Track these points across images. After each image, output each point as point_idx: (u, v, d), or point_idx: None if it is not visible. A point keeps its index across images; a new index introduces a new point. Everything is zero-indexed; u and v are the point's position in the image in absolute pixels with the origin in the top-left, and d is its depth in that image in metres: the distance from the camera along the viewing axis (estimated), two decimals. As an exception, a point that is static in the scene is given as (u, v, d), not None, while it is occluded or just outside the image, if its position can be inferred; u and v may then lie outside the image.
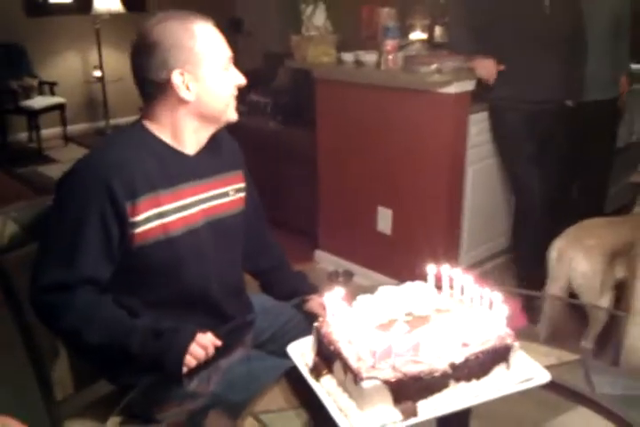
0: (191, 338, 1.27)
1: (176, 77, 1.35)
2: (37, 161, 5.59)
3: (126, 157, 1.35)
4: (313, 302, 1.60)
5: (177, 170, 1.41)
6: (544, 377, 1.09)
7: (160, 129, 1.41)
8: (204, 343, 1.27)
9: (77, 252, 1.29)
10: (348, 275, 3.22)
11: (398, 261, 3.02)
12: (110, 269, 1.34)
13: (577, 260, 2.37)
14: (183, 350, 1.25)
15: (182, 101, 1.38)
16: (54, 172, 5.29)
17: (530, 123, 2.81)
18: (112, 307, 1.33)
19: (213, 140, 1.49)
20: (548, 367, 1.12)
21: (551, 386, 1.13)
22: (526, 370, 1.10)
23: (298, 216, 3.65)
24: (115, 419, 1.15)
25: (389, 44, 2.71)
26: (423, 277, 1.26)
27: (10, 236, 1.45)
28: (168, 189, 1.38)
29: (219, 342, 1.30)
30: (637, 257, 1.59)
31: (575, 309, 2.50)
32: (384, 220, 3.04)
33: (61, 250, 1.30)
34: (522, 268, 3.06)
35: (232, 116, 1.45)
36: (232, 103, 1.43)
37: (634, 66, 3.39)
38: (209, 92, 1.38)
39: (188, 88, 1.36)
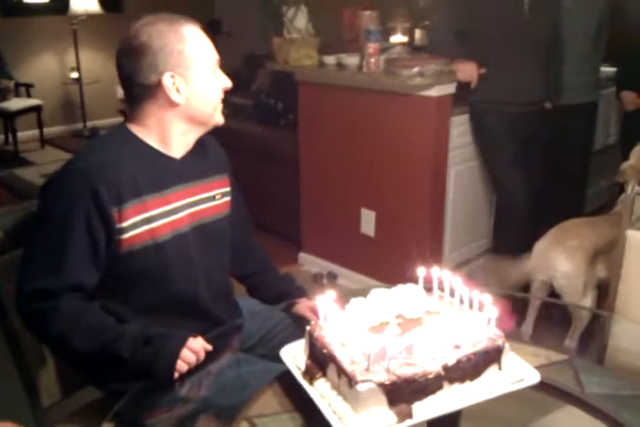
0: (182, 343, 1.26)
1: (167, 80, 1.34)
2: (14, 164, 5.51)
3: (112, 162, 1.34)
4: (301, 306, 1.60)
5: (163, 174, 1.40)
6: (535, 378, 1.10)
7: (146, 132, 1.40)
8: (195, 348, 1.27)
9: (63, 258, 1.28)
10: (333, 277, 3.23)
11: (382, 263, 3.03)
12: (97, 275, 1.33)
13: (560, 261, 2.40)
14: (174, 355, 1.24)
15: (172, 104, 1.37)
16: (31, 175, 5.22)
17: (510, 125, 2.85)
18: (99, 313, 1.32)
19: (199, 144, 1.48)
20: (538, 368, 1.14)
21: (541, 386, 1.14)
22: (517, 371, 1.11)
23: (280, 219, 3.65)
24: (107, 425, 1.14)
25: (371, 46, 2.73)
26: (413, 280, 1.27)
27: (-6, 242, 1.43)
28: (155, 193, 1.37)
29: (209, 347, 1.29)
30: (618, 256, 1.62)
31: (558, 309, 2.53)
32: (367, 222, 3.05)
33: (47, 256, 1.29)
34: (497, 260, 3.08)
35: (219, 119, 1.45)
36: (219, 107, 1.43)
37: (608, 69, 3.46)
38: (198, 96, 1.38)
39: (178, 91, 1.36)
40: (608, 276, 2.46)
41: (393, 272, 2.97)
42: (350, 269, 3.21)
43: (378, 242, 3.04)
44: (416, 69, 2.60)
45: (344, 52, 3.25)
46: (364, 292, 1.20)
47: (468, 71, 2.71)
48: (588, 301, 2.40)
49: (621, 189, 3.59)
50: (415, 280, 1.26)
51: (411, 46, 3.42)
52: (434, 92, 2.66)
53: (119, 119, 5.87)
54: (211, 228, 1.48)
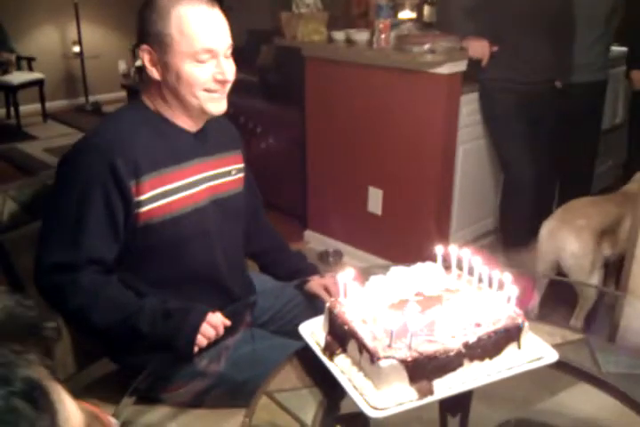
0: (202, 318, 1.26)
1: (143, 52, 1.33)
2: (16, 138, 5.48)
3: (128, 136, 1.33)
4: (313, 284, 1.61)
5: (181, 147, 1.40)
6: (553, 356, 1.11)
7: (157, 104, 1.39)
8: (214, 323, 1.27)
9: (82, 232, 1.28)
10: (338, 255, 3.23)
11: (389, 242, 3.03)
12: (115, 249, 1.33)
13: (568, 240, 2.41)
14: (195, 329, 1.25)
15: (156, 79, 1.35)
16: (34, 149, 5.21)
17: (520, 104, 2.83)
18: (118, 287, 1.32)
19: (213, 120, 1.47)
20: (553, 346, 1.14)
21: (557, 365, 1.15)
22: (536, 349, 1.12)
23: (286, 196, 3.64)
24: (127, 400, 1.14)
25: (382, 22, 2.69)
26: (432, 258, 1.27)
27: (9, 214, 1.43)
28: (173, 167, 1.37)
29: (228, 322, 1.30)
30: (632, 236, 1.62)
31: (563, 288, 2.55)
32: (374, 200, 3.04)
33: (65, 231, 1.29)
34: (507, 249, 3.09)
35: (211, 108, 1.37)
36: (206, 96, 1.35)
37: (617, 48, 3.43)
38: (175, 78, 1.32)
39: (154, 66, 1.33)
40: (613, 254, 2.47)
41: (399, 251, 2.98)
42: (356, 248, 3.21)
43: (385, 220, 3.04)
44: (427, 46, 2.57)
45: (352, 27, 3.21)
46: (367, 271, 1.20)
47: (479, 48, 2.68)
48: (595, 280, 2.42)
49: (627, 169, 3.59)
50: (433, 258, 1.26)
51: (420, 22, 3.38)
52: (445, 69, 2.64)
53: (122, 94, 5.84)
54: (228, 202, 1.48)
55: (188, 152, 1.40)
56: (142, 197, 1.31)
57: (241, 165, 1.56)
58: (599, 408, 1.40)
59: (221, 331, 1.29)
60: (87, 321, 1.28)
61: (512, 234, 3.08)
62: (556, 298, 2.58)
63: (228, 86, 1.38)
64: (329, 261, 3.20)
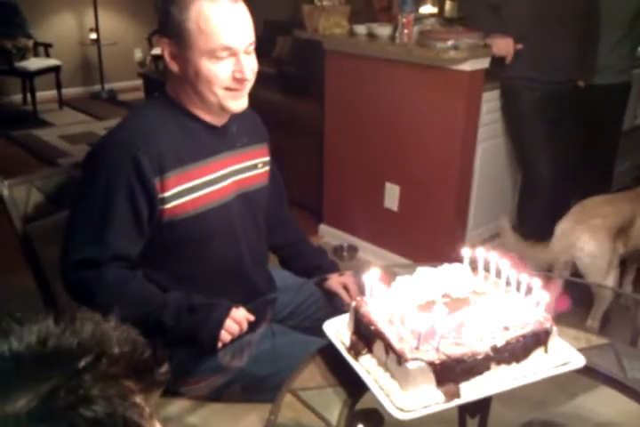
0: (226, 313, 1.26)
1: (163, 45, 1.32)
2: (32, 124, 5.49)
3: (154, 132, 1.32)
4: (333, 281, 1.60)
5: (205, 143, 1.39)
6: (580, 361, 1.10)
7: (182, 98, 1.38)
8: (238, 318, 1.27)
9: (107, 228, 1.27)
10: (353, 250, 3.22)
11: (405, 238, 3.02)
12: (140, 244, 1.32)
13: (584, 240, 2.40)
14: (219, 325, 1.25)
15: (176, 73, 1.33)
16: (50, 136, 5.22)
17: (542, 103, 2.80)
18: (143, 282, 1.32)
19: (240, 113, 1.45)
20: (579, 351, 1.13)
21: (584, 370, 1.14)
22: (563, 354, 1.11)
23: (302, 190, 3.62)
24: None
25: (406, 17, 2.67)
26: (457, 259, 1.26)
27: (34, 205, 1.44)
28: (197, 163, 1.36)
29: (252, 317, 1.30)
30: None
31: (579, 288, 2.53)
32: (391, 196, 3.03)
33: (91, 227, 1.28)
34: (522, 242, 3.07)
35: (231, 106, 1.34)
36: (226, 94, 1.32)
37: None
38: (192, 74, 1.30)
39: (174, 60, 1.32)
40: (626, 252, 2.46)
41: (414, 247, 2.97)
42: (371, 243, 3.20)
43: (401, 217, 3.03)
44: (450, 42, 2.55)
45: (374, 21, 3.19)
46: (389, 269, 1.19)
47: (504, 46, 2.65)
48: (611, 280, 2.40)
49: (643, 170, 3.56)
50: (459, 259, 1.26)
51: (441, 18, 3.36)
52: (467, 66, 2.61)
53: (137, 82, 5.84)
54: (253, 196, 1.47)
55: (214, 147, 1.39)
56: (167, 194, 1.31)
57: (267, 158, 1.56)
58: (619, 413, 1.39)
59: (245, 327, 1.29)
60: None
61: (530, 233, 3.06)
62: (571, 298, 2.57)
63: (249, 84, 1.35)
64: (343, 255, 3.20)
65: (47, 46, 5.86)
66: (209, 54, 1.28)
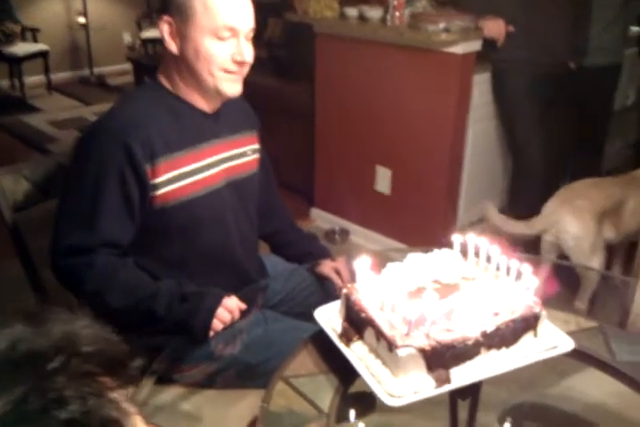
0: (218, 302, 1.27)
1: (163, 24, 1.31)
2: (21, 110, 5.44)
3: (144, 118, 1.31)
4: (325, 266, 1.61)
5: (196, 129, 1.38)
6: (568, 345, 1.11)
7: (174, 84, 1.37)
8: (230, 307, 1.27)
9: (97, 215, 1.27)
10: (345, 233, 3.23)
11: (396, 221, 3.03)
12: (131, 231, 1.32)
13: (567, 221, 2.40)
14: (211, 313, 1.25)
15: (172, 52, 1.32)
16: (38, 121, 5.17)
17: (533, 85, 2.79)
18: (134, 269, 1.32)
19: (230, 100, 1.45)
20: (568, 334, 1.14)
21: (572, 352, 1.15)
22: (552, 338, 1.12)
23: (293, 173, 3.62)
24: (146, 381, 1.15)
25: (398, 0, 2.64)
26: (448, 244, 1.26)
27: (23, 194, 1.43)
28: (187, 149, 1.36)
29: (243, 306, 1.30)
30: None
31: (565, 270, 2.55)
32: (383, 179, 3.03)
33: (81, 213, 1.28)
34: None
35: (226, 89, 1.34)
36: (223, 76, 1.33)
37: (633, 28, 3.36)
38: (192, 53, 1.30)
39: (173, 39, 1.31)
40: (617, 236, 2.47)
41: (407, 230, 2.98)
42: (363, 227, 3.20)
43: (393, 200, 3.03)
44: (442, 25, 2.53)
45: (365, 2, 3.16)
46: (384, 255, 1.19)
47: (495, 28, 2.64)
48: (597, 261, 2.41)
49: (637, 151, 3.57)
50: (449, 244, 1.26)
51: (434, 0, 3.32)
52: (459, 49, 2.60)
53: (126, 66, 5.78)
54: (243, 184, 1.47)
55: (204, 134, 1.39)
56: (157, 180, 1.30)
57: (256, 146, 1.55)
58: (609, 394, 1.40)
59: (237, 315, 1.29)
60: (103, 303, 1.28)
61: (521, 214, 3.07)
62: (558, 280, 2.58)
63: (246, 69, 1.35)
64: (335, 239, 3.20)
65: (35, 31, 5.79)
66: (211, 33, 1.28)
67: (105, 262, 1.28)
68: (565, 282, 2.55)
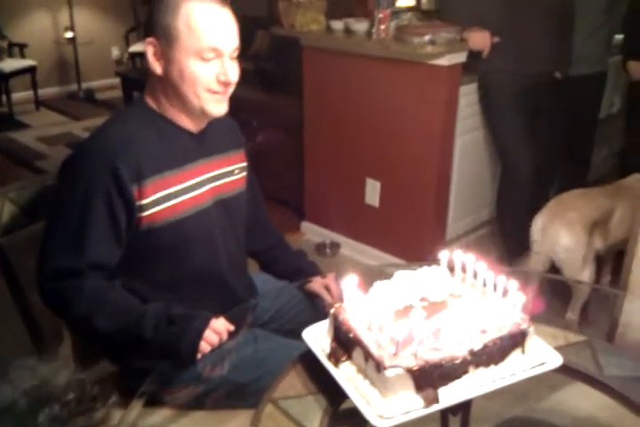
0: (206, 324, 1.26)
1: (148, 45, 1.31)
2: (9, 126, 5.42)
3: (131, 139, 1.31)
4: (315, 284, 1.61)
5: (183, 149, 1.38)
6: (557, 361, 1.11)
7: (161, 105, 1.37)
8: (218, 329, 1.27)
9: (84, 237, 1.26)
10: (335, 246, 3.23)
11: (386, 234, 3.03)
12: (118, 253, 1.32)
13: (560, 234, 2.41)
14: (198, 336, 1.24)
15: (157, 73, 1.33)
16: (27, 138, 5.16)
17: (519, 95, 2.81)
18: (122, 293, 1.31)
19: (216, 119, 1.45)
20: (556, 349, 1.14)
21: (561, 368, 1.15)
22: (540, 354, 1.12)
23: (283, 187, 3.63)
24: (135, 403, 1.14)
25: (382, 12, 2.66)
26: (436, 261, 1.26)
27: (9, 217, 1.42)
28: (175, 169, 1.35)
29: (232, 327, 1.30)
30: (634, 235, 1.62)
31: (556, 281, 2.55)
32: (372, 192, 3.03)
33: (68, 236, 1.27)
34: (505, 239, 3.10)
35: (212, 109, 1.34)
36: (208, 97, 1.33)
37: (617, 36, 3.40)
38: (177, 75, 1.30)
39: (158, 60, 1.32)
40: (605, 246, 2.48)
41: (397, 243, 2.98)
42: (354, 240, 3.21)
43: (382, 212, 3.04)
44: (427, 37, 2.55)
45: (351, 14, 3.18)
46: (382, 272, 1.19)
47: (480, 40, 2.66)
48: (587, 273, 2.42)
49: (622, 159, 3.60)
50: (437, 261, 1.26)
51: (419, 10, 3.35)
52: (445, 61, 2.62)
53: (115, 80, 5.78)
54: (231, 203, 1.47)
55: (191, 154, 1.39)
56: (144, 201, 1.30)
57: (243, 164, 1.55)
58: (599, 408, 1.40)
59: (225, 337, 1.28)
60: (91, 327, 1.27)
61: (509, 224, 3.08)
62: (549, 292, 2.58)
63: (231, 88, 1.36)
64: (326, 252, 3.20)
65: (22, 46, 5.79)
66: (196, 54, 1.28)
67: (93, 286, 1.27)
68: (555, 293, 2.56)
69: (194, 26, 1.27)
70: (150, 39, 1.31)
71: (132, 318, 1.27)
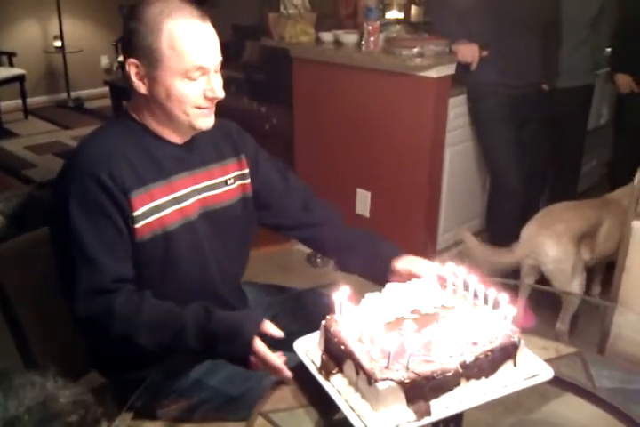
0: (250, 347, 1.19)
1: (130, 66, 1.29)
2: (-3, 135, 5.40)
3: (113, 153, 1.30)
4: (413, 264, 1.43)
5: (167, 161, 1.36)
6: (548, 373, 1.11)
7: (144, 118, 1.36)
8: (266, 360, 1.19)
9: (95, 253, 1.25)
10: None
11: (376, 244, 3.02)
12: (131, 263, 1.31)
13: (547, 245, 2.42)
14: (247, 349, 1.19)
15: (143, 93, 1.31)
16: (15, 146, 5.13)
17: (508, 107, 2.83)
18: (154, 304, 1.27)
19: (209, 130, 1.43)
20: (547, 361, 1.15)
21: (552, 379, 1.15)
22: (531, 366, 1.12)
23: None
24: (124, 415, 1.13)
25: (371, 25, 2.68)
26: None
27: (-4, 228, 1.41)
28: (160, 181, 1.33)
29: (280, 334, 1.22)
30: (623, 247, 1.63)
31: (546, 292, 2.56)
32: (362, 202, 3.04)
33: (83, 257, 1.25)
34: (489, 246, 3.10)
35: (200, 124, 1.33)
36: (196, 113, 1.31)
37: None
38: (163, 94, 1.29)
39: (141, 80, 1.30)
40: (592, 258, 2.49)
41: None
42: (344, 249, 3.19)
43: (373, 222, 3.04)
44: (416, 50, 2.57)
45: (340, 27, 3.20)
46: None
47: (469, 53, 2.68)
48: (577, 284, 2.43)
49: (611, 169, 3.63)
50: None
51: (407, 23, 3.38)
52: (433, 73, 2.63)
53: (104, 89, 5.77)
54: (220, 214, 1.44)
55: (175, 166, 1.37)
56: (135, 213, 1.29)
57: (243, 172, 1.50)
58: (591, 419, 1.40)
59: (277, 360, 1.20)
60: (136, 345, 1.24)
61: (499, 235, 3.09)
62: (538, 303, 2.59)
63: (217, 101, 1.34)
64: (317, 262, 3.19)
65: (11, 55, 5.76)
66: (182, 75, 1.26)
67: (123, 304, 1.24)
68: (545, 304, 2.56)
69: (178, 47, 1.25)
70: (132, 60, 1.28)
71: (172, 331, 1.23)
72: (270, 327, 1.21)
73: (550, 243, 2.42)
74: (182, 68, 1.26)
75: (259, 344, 1.18)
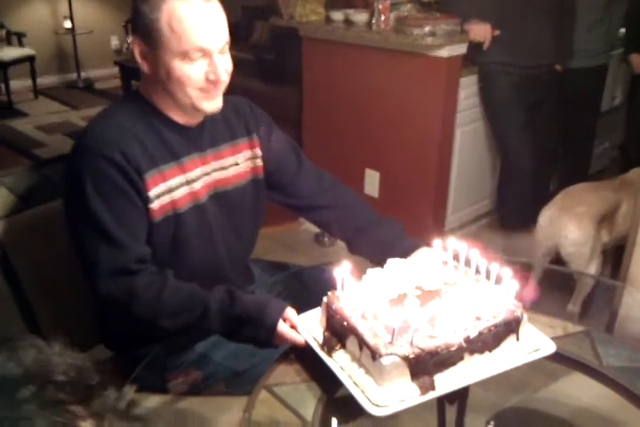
0: (273, 336, 1.21)
1: (134, 45, 1.28)
2: (7, 115, 5.39)
3: (124, 133, 1.28)
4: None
5: (177, 143, 1.34)
6: (550, 348, 1.11)
7: (154, 97, 1.33)
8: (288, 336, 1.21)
9: (119, 234, 1.24)
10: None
11: (385, 225, 3.02)
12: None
13: (568, 228, 2.40)
14: (272, 333, 1.21)
15: (147, 73, 1.30)
16: (25, 126, 5.14)
17: (520, 87, 2.81)
18: (176, 286, 1.27)
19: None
20: (554, 339, 1.14)
21: (558, 358, 1.15)
22: (534, 341, 1.12)
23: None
24: (128, 388, 1.14)
25: (382, 3, 2.64)
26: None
27: (3, 203, 1.41)
28: (170, 163, 1.32)
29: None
30: (634, 227, 1.61)
31: (560, 274, 2.55)
32: (371, 182, 3.03)
33: (103, 237, 1.24)
34: (505, 230, 3.09)
35: (204, 106, 1.30)
36: (199, 95, 1.28)
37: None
38: (165, 74, 1.26)
39: (144, 60, 1.28)
40: (610, 240, 2.47)
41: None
42: (352, 230, 3.19)
43: (381, 203, 3.03)
44: (427, 29, 2.53)
45: (350, 6, 3.16)
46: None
47: (481, 32, 2.64)
48: (594, 266, 2.41)
49: (623, 151, 3.59)
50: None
51: (418, 2, 3.33)
52: (444, 52, 2.60)
53: (114, 70, 5.75)
54: (229, 196, 1.43)
55: (185, 148, 1.35)
56: (149, 194, 1.28)
57: (252, 152, 1.47)
58: (597, 398, 1.40)
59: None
60: (159, 328, 1.26)
61: (509, 216, 3.08)
62: (550, 284, 2.58)
63: (223, 85, 1.30)
64: (324, 242, 3.19)
65: (20, 36, 5.74)
66: (181, 55, 1.23)
67: (146, 286, 1.24)
68: (557, 285, 2.55)
69: (176, 27, 1.22)
70: (135, 39, 1.27)
71: (196, 315, 1.24)
72: (292, 315, 1.22)
73: (572, 226, 2.39)
74: (182, 49, 1.23)
75: (282, 327, 1.20)
